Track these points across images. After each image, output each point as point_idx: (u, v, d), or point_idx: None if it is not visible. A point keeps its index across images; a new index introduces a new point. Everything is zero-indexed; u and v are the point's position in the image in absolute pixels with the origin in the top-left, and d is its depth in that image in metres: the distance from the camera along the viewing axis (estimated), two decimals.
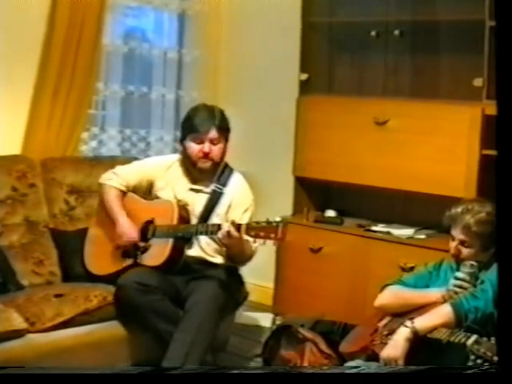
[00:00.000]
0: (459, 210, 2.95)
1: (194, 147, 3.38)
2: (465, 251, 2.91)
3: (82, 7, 3.82)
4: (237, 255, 3.30)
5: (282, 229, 2.98)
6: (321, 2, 4.17)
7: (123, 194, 3.45)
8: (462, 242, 2.91)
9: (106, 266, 3.40)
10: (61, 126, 3.90)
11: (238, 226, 3.08)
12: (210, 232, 3.23)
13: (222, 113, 3.44)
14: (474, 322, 2.63)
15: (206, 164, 3.38)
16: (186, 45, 4.61)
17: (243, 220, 3.31)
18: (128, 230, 3.35)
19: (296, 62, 4.16)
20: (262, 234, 3.02)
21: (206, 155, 3.35)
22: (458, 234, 2.93)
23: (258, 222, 3.05)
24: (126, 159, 3.80)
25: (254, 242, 3.15)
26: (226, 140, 3.43)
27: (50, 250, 3.59)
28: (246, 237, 3.10)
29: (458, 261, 2.92)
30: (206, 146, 3.35)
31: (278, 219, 3.01)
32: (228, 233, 3.08)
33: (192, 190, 3.44)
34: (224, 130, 3.40)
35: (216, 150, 3.37)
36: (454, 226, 2.94)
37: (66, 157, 3.91)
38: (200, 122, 3.37)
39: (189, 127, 3.41)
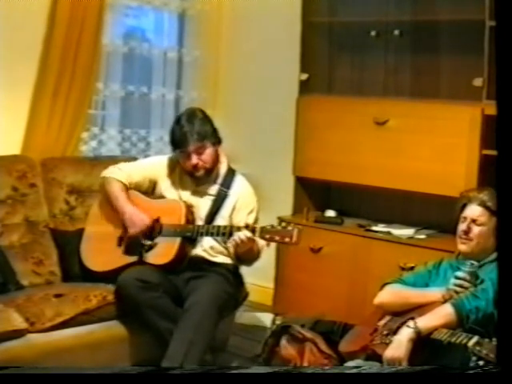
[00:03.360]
0: (476, 189, 3.05)
1: (183, 160, 3.40)
2: (476, 229, 2.92)
3: (82, 7, 3.82)
4: (247, 256, 3.31)
5: (297, 233, 3.04)
6: (321, 2, 4.17)
7: (126, 188, 3.44)
8: (473, 220, 2.92)
9: (106, 262, 3.39)
10: (61, 126, 3.90)
11: (252, 229, 3.11)
12: (221, 234, 3.24)
13: (201, 119, 3.40)
14: (475, 322, 2.63)
15: (200, 173, 3.39)
16: (185, 45, 4.61)
17: (248, 221, 3.31)
18: (139, 217, 3.33)
19: (296, 62, 4.16)
20: (276, 237, 3.07)
21: (196, 166, 3.36)
22: (471, 211, 2.94)
23: (273, 226, 3.10)
24: (126, 159, 3.79)
25: (268, 244, 3.18)
26: (214, 142, 3.40)
27: (50, 250, 3.59)
28: (259, 240, 3.14)
29: (467, 239, 2.91)
30: (194, 158, 3.35)
31: (292, 225, 3.09)
32: (243, 240, 3.10)
33: (196, 192, 3.44)
34: (205, 136, 3.36)
35: (205, 158, 3.37)
36: (468, 204, 2.96)
37: (65, 157, 3.91)
38: (179, 139, 3.37)
39: (172, 144, 3.44)
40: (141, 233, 3.33)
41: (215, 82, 4.68)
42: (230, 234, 3.18)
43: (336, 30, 4.22)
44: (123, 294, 3.24)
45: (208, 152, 3.38)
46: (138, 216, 3.34)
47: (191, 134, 3.33)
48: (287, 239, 3.04)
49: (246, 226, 3.15)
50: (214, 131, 3.42)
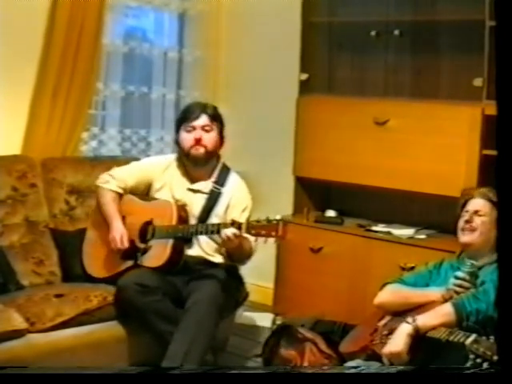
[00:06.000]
0: (477, 187, 3.13)
1: (186, 136, 3.40)
2: (478, 220, 2.93)
3: (82, 7, 3.82)
4: (237, 254, 3.30)
5: (282, 226, 3.01)
6: (321, 2, 4.17)
7: (120, 196, 3.44)
8: (475, 212, 2.95)
9: (106, 268, 3.40)
10: (61, 125, 3.90)
11: (238, 225, 3.09)
12: (209, 232, 3.23)
13: (214, 106, 3.49)
14: (474, 322, 2.64)
15: (199, 151, 3.38)
16: (186, 45, 4.61)
17: (242, 219, 3.31)
18: (119, 236, 3.32)
19: (296, 62, 4.16)
20: (262, 232, 3.03)
21: (198, 141, 3.36)
22: (473, 204, 2.97)
23: (258, 221, 3.06)
24: (126, 159, 3.79)
25: (256, 240, 3.16)
26: (220, 132, 3.44)
27: (50, 250, 3.59)
28: (246, 235, 3.11)
29: (471, 229, 2.93)
30: (198, 133, 3.37)
31: (278, 217, 3.03)
32: (229, 237, 3.09)
33: (190, 190, 3.44)
34: (216, 119, 3.42)
35: (208, 138, 3.38)
36: (470, 199, 3.00)
37: (66, 157, 3.91)
38: (191, 110, 3.44)
39: (181, 118, 3.47)
40: (119, 251, 3.33)
41: (215, 81, 4.68)
42: (218, 232, 3.16)
43: (336, 29, 4.22)
44: (123, 299, 3.23)
45: (213, 135, 3.40)
46: (116, 235, 3.32)
47: (205, 110, 3.41)
48: (273, 233, 3.01)
49: (232, 223, 3.13)
50: (223, 124, 3.46)
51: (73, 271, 3.53)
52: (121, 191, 3.44)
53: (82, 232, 3.56)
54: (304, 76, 4.14)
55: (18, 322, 3.01)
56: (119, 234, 3.33)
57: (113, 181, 3.44)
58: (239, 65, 4.67)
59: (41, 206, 3.65)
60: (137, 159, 3.82)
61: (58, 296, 3.24)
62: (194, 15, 4.58)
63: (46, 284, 3.48)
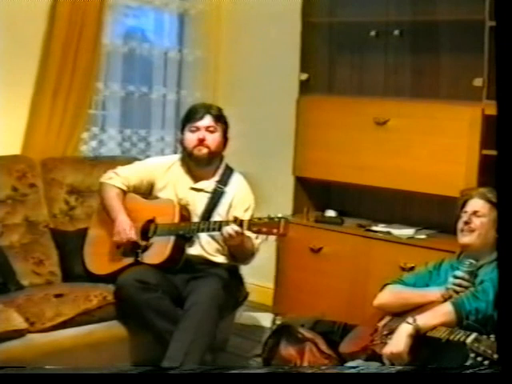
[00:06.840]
0: (476, 187, 3.12)
1: (190, 136, 3.41)
2: (477, 221, 2.93)
3: (82, 7, 3.82)
4: (239, 253, 3.31)
5: (284, 224, 3.02)
6: (321, 2, 4.17)
7: (124, 193, 3.45)
8: (474, 212, 2.94)
9: (107, 265, 3.40)
10: (61, 126, 3.90)
11: (240, 223, 3.10)
12: (211, 229, 3.24)
13: (219, 107, 3.51)
14: (474, 321, 2.64)
15: (202, 152, 3.39)
16: (186, 45, 4.61)
17: (244, 219, 3.31)
18: (126, 228, 3.34)
19: (296, 62, 4.16)
20: (264, 229, 3.05)
21: (202, 142, 3.38)
22: (472, 205, 2.96)
23: (260, 218, 3.09)
24: (126, 159, 3.80)
25: (257, 237, 3.18)
26: (224, 133, 3.45)
27: (50, 250, 3.59)
28: (248, 233, 3.13)
29: (469, 230, 2.93)
30: (201, 133, 3.38)
31: (279, 215, 3.04)
32: (230, 234, 3.10)
33: (193, 189, 3.45)
34: (220, 120, 3.44)
35: (212, 139, 3.40)
36: (469, 199, 2.99)
37: (66, 157, 3.91)
38: (195, 111, 3.46)
39: (186, 118, 3.49)
40: (124, 245, 3.34)
41: (215, 81, 4.68)
42: (220, 229, 3.17)
43: (336, 29, 4.22)
44: (122, 295, 3.24)
45: (217, 136, 3.41)
46: (123, 227, 3.34)
47: (210, 111, 3.43)
48: (274, 230, 3.03)
49: (234, 220, 3.14)
50: (227, 125, 3.48)
51: (73, 271, 3.53)
52: (124, 188, 3.45)
53: (82, 232, 3.57)
54: (304, 76, 4.14)
55: (17, 321, 3.01)
56: (127, 225, 3.34)
57: (117, 177, 3.46)
58: (239, 65, 4.67)
59: (41, 206, 3.65)
60: (137, 159, 3.83)
61: (58, 296, 3.24)
62: (194, 15, 4.58)
63: (45, 284, 3.48)
